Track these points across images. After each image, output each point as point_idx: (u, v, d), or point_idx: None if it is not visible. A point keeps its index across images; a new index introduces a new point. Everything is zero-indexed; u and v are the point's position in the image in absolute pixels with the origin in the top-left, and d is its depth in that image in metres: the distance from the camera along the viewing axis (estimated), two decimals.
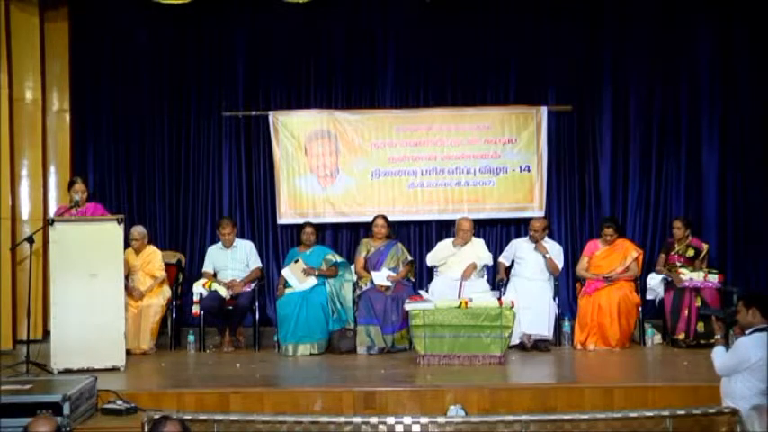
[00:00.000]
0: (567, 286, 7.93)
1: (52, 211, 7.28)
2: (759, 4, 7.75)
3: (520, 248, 7.32)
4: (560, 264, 7.23)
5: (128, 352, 6.40)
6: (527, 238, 7.35)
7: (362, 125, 8.23)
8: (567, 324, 7.05)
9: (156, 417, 3.60)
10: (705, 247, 7.29)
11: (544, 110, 8.14)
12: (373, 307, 6.82)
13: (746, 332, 4.54)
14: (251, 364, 6.45)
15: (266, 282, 8.05)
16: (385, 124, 8.24)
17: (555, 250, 7.25)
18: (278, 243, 8.37)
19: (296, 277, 7.08)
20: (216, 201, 8.40)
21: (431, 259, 7.42)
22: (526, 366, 6.37)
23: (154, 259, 7.19)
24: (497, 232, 8.29)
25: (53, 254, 6.17)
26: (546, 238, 7.31)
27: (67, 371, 6.00)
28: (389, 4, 8.25)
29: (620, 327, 6.82)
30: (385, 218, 7.44)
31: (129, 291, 6.87)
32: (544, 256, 7.14)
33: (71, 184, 6.90)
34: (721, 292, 6.96)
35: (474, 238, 7.30)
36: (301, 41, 8.28)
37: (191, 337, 7.04)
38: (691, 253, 7.21)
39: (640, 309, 7.01)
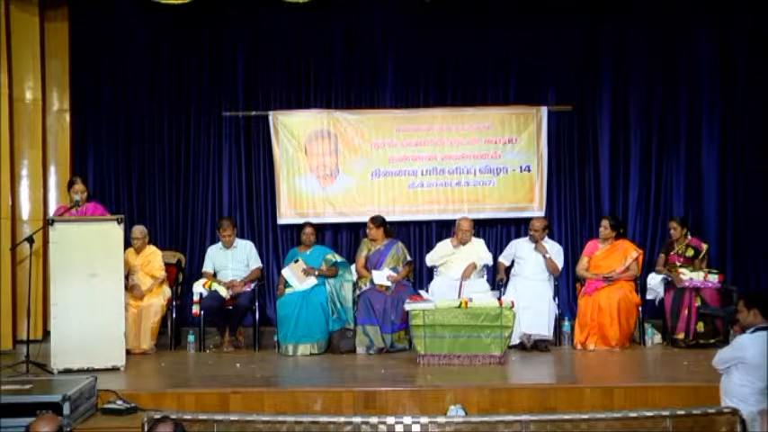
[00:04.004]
0: (567, 286, 7.93)
1: (52, 211, 7.26)
2: (759, 4, 7.76)
3: (520, 248, 7.32)
4: (560, 264, 7.23)
5: (128, 352, 6.41)
6: (527, 238, 7.35)
7: (362, 125, 8.23)
8: (566, 324, 7.05)
9: (157, 417, 3.60)
10: (705, 246, 7.29)
11: (544, 110, 8.14)
12: (372, 307, 6.81)
13: (747, 331, 4.55)
14: (251, 364, 6.45)
15: (266, 282, 8.06)
16: (385, 124, 8.24)
17: (555, 250, 7.25)
18: (278, 243, 8.37)
19: (296, 277, 7.08)
20: (216, 201, 8.40)
21: (430, 259, 7.42)
22: (526, 366, 6.37)
23: (154, 259, 7.18)
24: (497, 232, 8.30)
25: (53, 254, 6.17)
26: (546, 238, 7.31)
27: (67, 371, 6.00)
28: (389, 4, 8.24)
29: (620, 327, 6.82)
30: (374, 219, 7.35)
31: (131, 290, 6.87)
32: (544, 256, 7.14)
33: (71, 184, 6.89)
34: (721, 291, 6.96)
35: (474, 238, 7.31)
36: (301, 41, 8.28)
37: (191, 337, 7.04)
38: (690, 253, 7.20)
39: (640, 309, 7.00)
